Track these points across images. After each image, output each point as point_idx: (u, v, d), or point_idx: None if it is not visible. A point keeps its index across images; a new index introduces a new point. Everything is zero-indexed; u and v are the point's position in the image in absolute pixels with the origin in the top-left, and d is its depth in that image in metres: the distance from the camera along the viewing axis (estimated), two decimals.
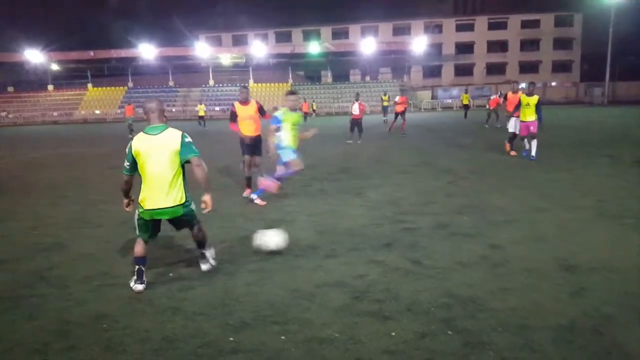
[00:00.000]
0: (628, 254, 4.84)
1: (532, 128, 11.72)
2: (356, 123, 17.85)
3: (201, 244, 4.58)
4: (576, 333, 3.31)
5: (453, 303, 3.83)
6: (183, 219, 4.32)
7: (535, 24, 67.59)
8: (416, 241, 5.50)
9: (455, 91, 61.42)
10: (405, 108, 21.69)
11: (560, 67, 67.58)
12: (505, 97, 13.04)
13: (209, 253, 4.66)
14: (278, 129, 7.40)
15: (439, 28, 69.43)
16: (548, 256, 4.85)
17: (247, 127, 8.04)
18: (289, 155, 7.50)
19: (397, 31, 68.75)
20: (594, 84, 58.98)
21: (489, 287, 4.13)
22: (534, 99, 11.68)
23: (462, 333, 3.35)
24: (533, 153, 11.63)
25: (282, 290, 4.19)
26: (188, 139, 4.16)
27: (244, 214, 7.03)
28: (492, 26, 68.48)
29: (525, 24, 67.67)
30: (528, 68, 67.08)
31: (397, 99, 22.41)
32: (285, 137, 7.46)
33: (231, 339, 3.35)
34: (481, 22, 68.73)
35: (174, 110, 52.95)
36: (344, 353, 3.14)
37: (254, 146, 8.12)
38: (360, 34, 66.30)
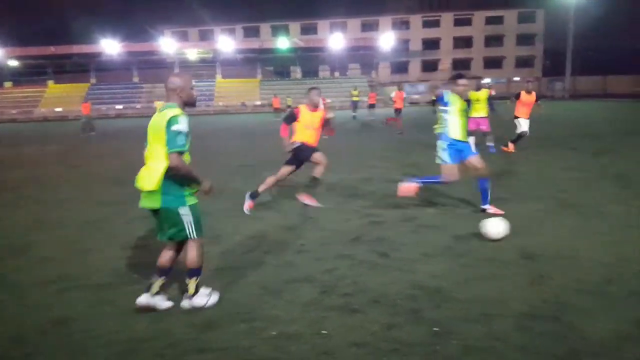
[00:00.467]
0: (585, 243, 5.01)
1: (483, 127, 11.63)
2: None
3: (190, 271, 3.71)
4: (536, 320, 3.41)
5: (419, 294, 3.89)
6: (163, 215, 3.56)
7: (499, 20, 69.10)
8: (384, 234, 5.55)
9: (422, 87, 62.19)
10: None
11: (523, 63, 69.31)
12: (518, 97, 12.03)
13: (196, 288, 3.70)
14: (444, 112, 6.18)
15: (406, 24, 70.16)
16: (510, 246, 4.98)
17: (309, 137, 6.74)
18: (444, 156, 6.20)
19: (366, 27, 69.12)
20: (555, 78, 60.73)
21: (454, 278, 4.21)
22: (484, 93, 11.59)
23: (428, 323, 3.40)
24: (492, 143, 11.87)
25: (250, 287, 4.16)
26: (175, 126, 3.35)
27: (209, 212, 6.93)
28: (457, 22, 69.67)
29: (489, 20, 69.10)
30: (492, 63, 68.56)
31: (392, 94, 20.95)
32: (453, 125, 6.12)
33: (198, 338, 3.31)
34: (447, 18, 69.80)
35: (138, 106, 51.78)
36: (311, 348, 3.15)
37: (310, 153, 6.80)
38: (329, 29, 66.35)
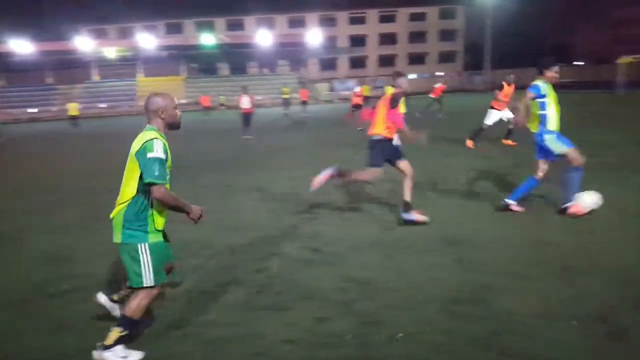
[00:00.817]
0: (500, 228, 5.36)
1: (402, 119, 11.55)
2: (248, 117, 17.60)
3: (122, 319, 3.11)
4: (463, 304, 3.60)
5: (350, 287, 3.98)
6: (122, 251, 3.09)
7: (422, 16, 71.67)
8: (316, 230, 5.60)
9: (350, 83, 63.28)
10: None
11: (446, 58, 72.39)
12: (501, 88, 11.79)
13: (116, 342, 3.05)
14: (541, 105, 5.69)
15: (332, 21, 70.96)
16: (438, 234, 5.22)
17: (390, 129, 5.91)
18: (560, 145, 5.65)
19: (293, 23, 69.12)
20: (475, 72, 63.91)
21: (384, 268, 4.34)
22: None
23: (359, 315, 3.48)
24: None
25: (182, 292, 4.05)
26: (151, 153, 2.95)
27: None
28: (382, 19, 71.46)
29: (412, 17, 71.47)
30: (416, 59, 71.01)
31: (357, 89, 20.31)
32: (551, 117, 5.71)
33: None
34: (372, 15, 71.38)
35: (54, 109, 48.48)
36: (245, 348, 3.13)
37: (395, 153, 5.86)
38: (256, 25, 65.70)
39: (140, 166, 2.97)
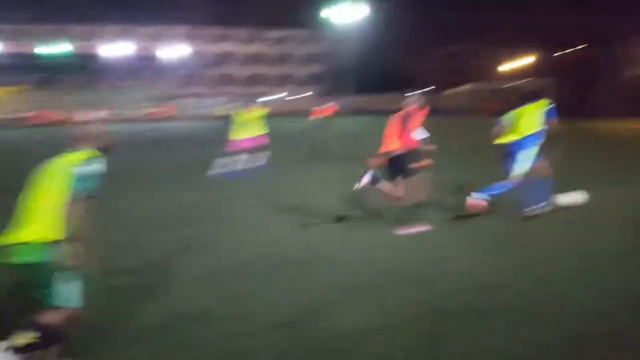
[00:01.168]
0: (351, 247, 5.54)
1: (257, 142, 11.40)
2: None
3: (37, 323, 2.84)
4: (298, 323, 3.62)
5: (178, 323, 3.73)
6: (40, 270, 2.82)
7: (287, 39, 73.82)
8: (146, 261, 5.21)
9: (212, 101, 62.09)
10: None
11: (310, 80, 75.22)
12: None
13: (27, 346, 2.78)
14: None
15: (196, 37, 69.56)
16: (275, 253, 5.24)
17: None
18: (526, 165, 6.24)
19: (155, 37, 66.15)
20: (339, 96, 67.12)
21: (218, 297, 4.17)
22: (263, 111, 11.69)
23: (195, 348, 3.29)
24: (262, 163, 11.60)
25: None
26: (93, 167, 2.99)
27: None
28: (248, 39, 72.08)
29: (278, 39, 73.25)
30: (281, 81, 72.69)
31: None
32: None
33: None
34: (238, 34, 71.66)
35: None
36: None
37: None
38: (114, 36, 61.53)
39: (76, 177, 2.90)
